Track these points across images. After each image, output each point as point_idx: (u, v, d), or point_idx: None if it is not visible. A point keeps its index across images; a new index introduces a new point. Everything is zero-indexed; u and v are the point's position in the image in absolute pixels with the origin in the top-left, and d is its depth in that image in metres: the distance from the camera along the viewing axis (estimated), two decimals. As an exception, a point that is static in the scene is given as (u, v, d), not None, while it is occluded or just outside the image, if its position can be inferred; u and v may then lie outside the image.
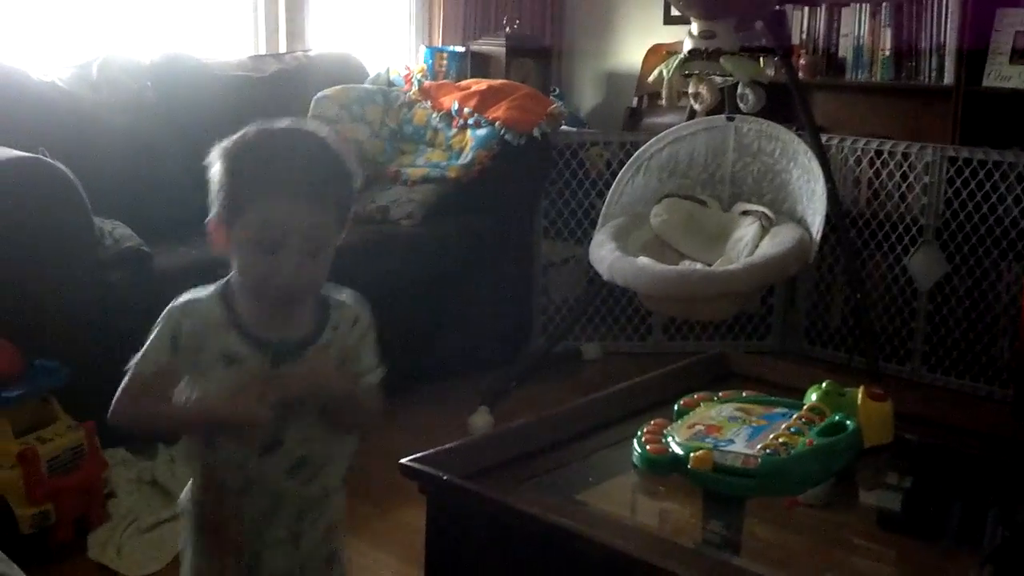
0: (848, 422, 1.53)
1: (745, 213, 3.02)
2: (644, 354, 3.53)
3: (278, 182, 1.25)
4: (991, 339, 3.21)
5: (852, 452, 1.51)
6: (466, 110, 3.25)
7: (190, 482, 1.38)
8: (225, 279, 1.32)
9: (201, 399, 1.26)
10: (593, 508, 1.49)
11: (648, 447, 1.52)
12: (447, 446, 1.49)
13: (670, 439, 1.53)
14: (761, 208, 2.99)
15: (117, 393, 1.30)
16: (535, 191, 3.45)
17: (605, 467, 1.61)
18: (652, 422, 1.60)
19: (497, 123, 3.17)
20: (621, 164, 3.21)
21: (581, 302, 3.46)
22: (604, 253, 2.90)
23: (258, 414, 1.24)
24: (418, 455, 1.45)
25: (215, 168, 1.28)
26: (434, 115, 3.33)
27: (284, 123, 1.31)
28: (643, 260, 2.82)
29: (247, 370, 1.28)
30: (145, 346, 1.30)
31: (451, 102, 3.31)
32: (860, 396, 1.58)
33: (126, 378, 1.30)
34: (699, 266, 2.81)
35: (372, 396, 1.34)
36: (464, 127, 3.24)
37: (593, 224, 3.14)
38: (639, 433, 1.56)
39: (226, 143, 1.29)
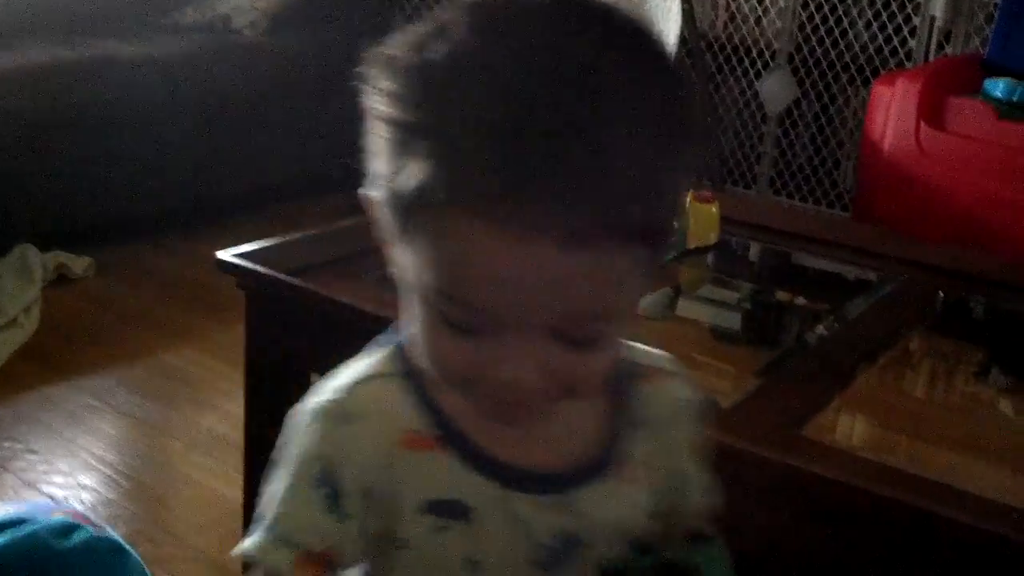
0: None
1: (601, 31, 2.98)
2: (500, 177, 3.51)
3: (523, 183, 0.52)
4: (835, 163, 3.30)
5: (673, 251, 1.53)
6: (314, -87, 3.07)
7: None
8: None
9: None
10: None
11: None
12: (269, 241, 1.44)
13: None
14: (617, 26, 2.95)
15: None
16: (390, 2, 3.33)
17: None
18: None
19: (347, -72, 3.01)
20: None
21: (437, 123, 3.40)
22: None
23: None
24: (237, 250, 1.40)
25: (377, 105, 0.57)
26: (279, -83, 3.13)
27: None
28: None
29: (483, 539, 0.65)
30: (276, 505, 0.64)
31: (298, -96, 3.12)
32: (688, 198, 1.59)
33: None
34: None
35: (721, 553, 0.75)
36: (312, -69, 3.07)
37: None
38: (469, 232, 1.55)
39: (399, 47, 0.57)
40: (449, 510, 0.64)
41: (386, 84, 0.57)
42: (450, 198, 0.53)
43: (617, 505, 0.67)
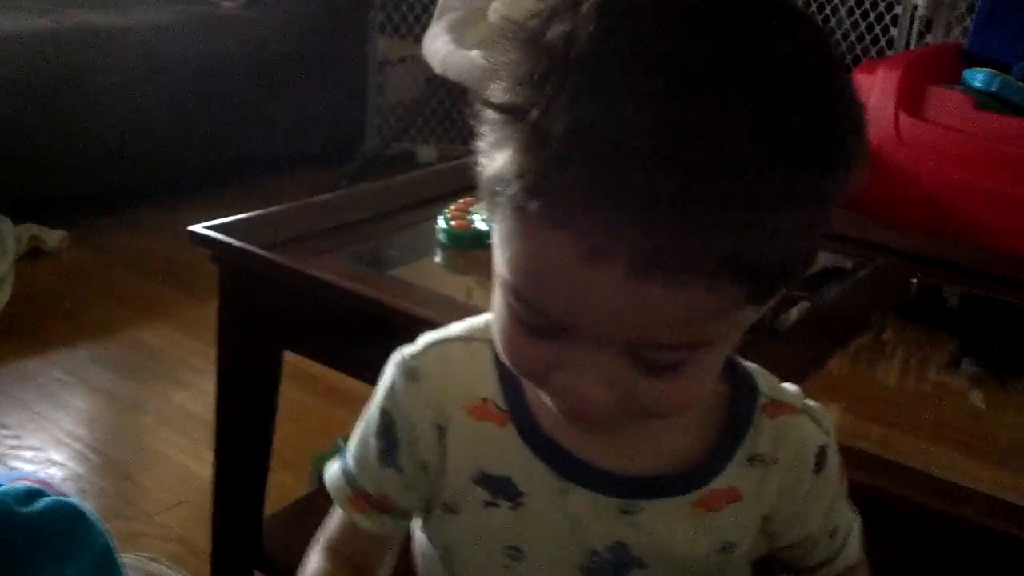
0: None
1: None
2: (480, 158, 3.50)
3: (630, 188, 0.47)
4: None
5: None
6: None
7: None
8: None
9: None
10: (398, 279, 1.47)
11: (453, 223, 1.51)
12: (243, 215, 1.43)
13: (475, 216, 1.51)
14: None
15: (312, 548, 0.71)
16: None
17: (411, 244, 1.59)
18: (460, 200, 1.58)
19: (329, -97, 2.98)
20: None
21: (418, 103, 3.38)
22: (439, 46, 2.81)
23: None
24: (211, 222, 1.38)
25: (490, 74, 0.54)
26: None
27: None
28: (478, 54, 2.75)
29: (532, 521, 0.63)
30: (352, 442, 0.69)
31: None
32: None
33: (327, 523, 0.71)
34: (533, 64, 2.76)
35: None
36: (293, -95, 3.04)
37: (431, 20, 3.03)
38: (445, 211, 1.54)
39: (531, 12, 0.53)
40: (499, 487, 0.63)
41: (501, 52, 0.53)
42: (529, 196, 0.49)
43: (688, 530, 0.63)
